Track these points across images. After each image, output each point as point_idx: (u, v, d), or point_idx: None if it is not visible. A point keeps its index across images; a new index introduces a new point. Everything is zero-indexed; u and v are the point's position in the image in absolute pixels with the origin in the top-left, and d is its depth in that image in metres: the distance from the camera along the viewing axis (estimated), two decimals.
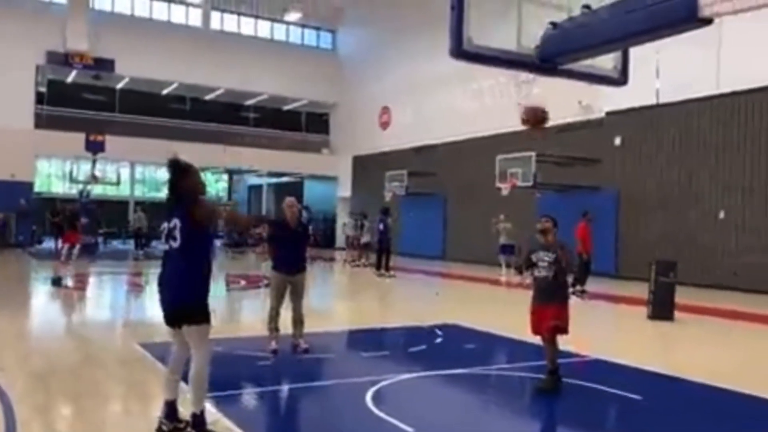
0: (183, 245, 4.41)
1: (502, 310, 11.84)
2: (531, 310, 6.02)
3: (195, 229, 4.45)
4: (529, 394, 6.30)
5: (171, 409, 4.54)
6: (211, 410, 5.06)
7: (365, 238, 21.60)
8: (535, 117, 6.82)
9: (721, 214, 15.53)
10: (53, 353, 7.47)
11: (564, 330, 5.87)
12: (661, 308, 10.54)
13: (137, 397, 5.66)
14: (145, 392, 5.76)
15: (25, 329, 9.17)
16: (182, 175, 4.51)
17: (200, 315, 4.44)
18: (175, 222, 4.45)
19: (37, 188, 29.99)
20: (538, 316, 5.92)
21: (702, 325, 10.55)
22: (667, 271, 10.74)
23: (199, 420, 4.36)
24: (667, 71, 16.45)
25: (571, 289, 12.87)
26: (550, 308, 5.84)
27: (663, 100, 16.83)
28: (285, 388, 6.25)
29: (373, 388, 5.78)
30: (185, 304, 4.43)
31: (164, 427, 4.48)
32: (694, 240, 16.05)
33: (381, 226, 18.02)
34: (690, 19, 3.70)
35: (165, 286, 4.54)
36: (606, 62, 5.03)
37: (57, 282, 14.00)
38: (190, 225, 4.42)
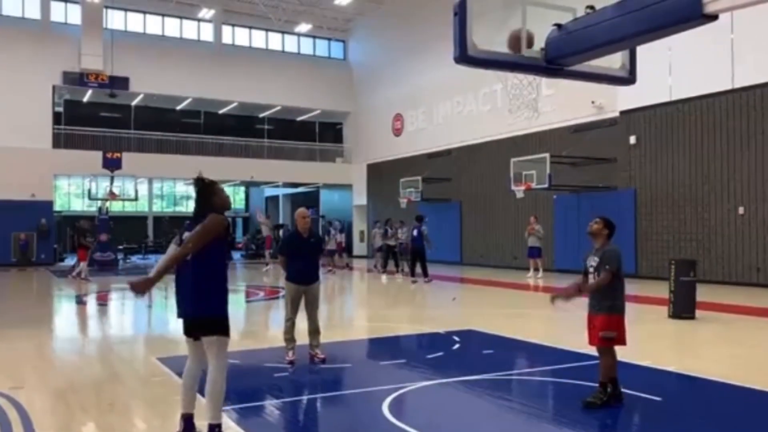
0: (195, 254, 4.41)
1: (521, 314, 11.75)
2: (587, 318, 5.71)
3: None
4: (549, 397, 6.26)
5: (188, 423, 4.57)
6: (228, 422, 5.08)
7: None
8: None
9: (741, 210, 15.34)
10: (73, 369, 7.54)
11: (618, 341, 5.50)
12: (682, 307, 10.42)
13: (158, 413, 5.68)
14: (166, 407, 5.79)
15: (45, 346, 9.26)
16: (209, 191, 4.58)
17: (219, 326, 4.47)
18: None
19: (57, 207, 30.41)
20: (589, 326, 5.64)
21: (724, 323, 10.40)
22: (688, 270, 10.60)
23: None
24: (680, 68, 16.32)
25: None
26: (598, 318, 5.52)
27: (676, 96, 16.69)
28: (302, 398, 6.25)
29: (391, 397, 5.76)
30: (204, 315, 4.44)
31: None
32: (714, 237, 15.86)
33: (415, 232, 18.28)
34: (694, 16, 3.66)
35: (182, 297, 4.55)
36: (614, 62, 4.98)
37: (81, 300, 14.21)
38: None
